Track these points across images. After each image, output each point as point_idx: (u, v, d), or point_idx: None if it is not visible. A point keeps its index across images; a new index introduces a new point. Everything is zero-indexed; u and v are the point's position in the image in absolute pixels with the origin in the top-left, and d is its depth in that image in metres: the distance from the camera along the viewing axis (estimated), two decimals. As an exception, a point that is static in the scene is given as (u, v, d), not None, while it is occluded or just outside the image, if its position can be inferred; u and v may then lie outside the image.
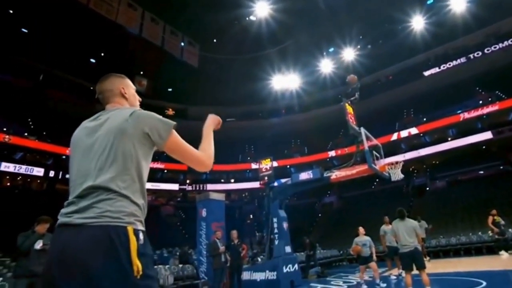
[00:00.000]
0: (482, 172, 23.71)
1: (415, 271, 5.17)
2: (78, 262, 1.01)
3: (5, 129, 23.22)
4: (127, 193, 1.14)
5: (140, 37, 22.89)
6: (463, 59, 27.29)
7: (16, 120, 24.48)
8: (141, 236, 1.12)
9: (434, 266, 9.71)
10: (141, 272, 1.04)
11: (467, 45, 27.47)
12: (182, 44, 25.76)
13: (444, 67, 28.27)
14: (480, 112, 24.24)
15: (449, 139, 26.20)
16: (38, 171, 24.51)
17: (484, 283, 5.89)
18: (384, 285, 7.25)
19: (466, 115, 24.86)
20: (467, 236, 14.70)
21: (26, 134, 24.58)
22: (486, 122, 24.55)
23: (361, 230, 7.56)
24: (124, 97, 1.45)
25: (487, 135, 23.48)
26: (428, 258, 10.96)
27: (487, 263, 9.79)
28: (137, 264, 1.05)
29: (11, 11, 24.06)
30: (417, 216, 10.37)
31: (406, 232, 5.26)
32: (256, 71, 32.24)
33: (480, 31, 26.69)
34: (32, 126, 25.65)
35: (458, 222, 18.07)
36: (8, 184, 24.63)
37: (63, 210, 1.14)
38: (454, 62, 27.68)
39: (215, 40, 29.39)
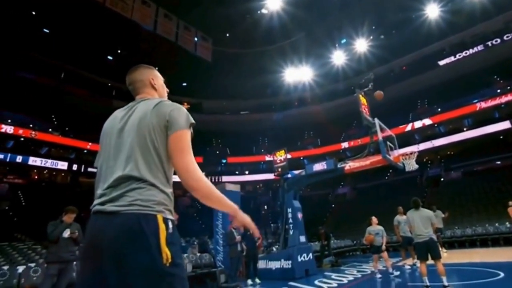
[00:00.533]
0: (499, 162, 22.90)
1: (430, 261, 5.09)
2: (110, 247, 1.03)
3: (31, 125, 24.09)
4: (156, 182, 1.15)
5: (155, 33, 23.03)
6: (480, 47, 26.13)
7: (41, 116, 25.33)
8: (170, 224, 1.13)
9: (449, 257, 9.53)
10: (170, 260, 1.05)
11: (485, 32, 26.24)
12: (196, 39, 25.77)
13: (460, 56, 27.18)
14: (498, 101, 23.32)
15: (465, 129, 25.37)
16: (62, 165, 25.38)
17: (502, 274, 5.73)
18: (398, 273, 7.20)
19: (483, 105, 23.98)
20: (483, 227, 14.30)
21: (50, 130, 25.44)
22: (504, 111, 23.60)
23: (374, 219, 7.55)
24: (154, 87, 1.45)
25: (505, 124, 22.58)
26: (444, 250, 10.51)
27: (505, 254, 9.52)
28: (166, 252, 1.05)
29: (33, 13, 24.67)
30: (432, 206, 10.04)
31: (421, 222, 5.16)
32: (268, 64, 31.98)
33: (499, 17, 25.42)
34: (55, 122, 26.50)
35: (473, 213, 17.61)
36: (36, 177, 25.62)
37: (96, 200, 1.16)
38: (471, 51, 26.54)
39: (227, 35, 29.24)
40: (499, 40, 25.21)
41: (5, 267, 5.64)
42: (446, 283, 4.79)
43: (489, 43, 25.68)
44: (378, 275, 6.94)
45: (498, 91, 24.02)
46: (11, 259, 9.14)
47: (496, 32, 25.54)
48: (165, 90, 1.53)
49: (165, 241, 1.07)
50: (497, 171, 21.96)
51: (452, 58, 27.70)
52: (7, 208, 20.42)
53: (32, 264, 5.73)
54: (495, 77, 25.43)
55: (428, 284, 4.98)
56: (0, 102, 23.31)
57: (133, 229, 1.04)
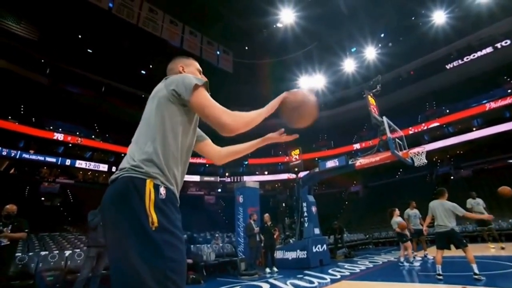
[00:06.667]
0: (511, 161, 21.43)
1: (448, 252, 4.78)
2: (106, 209, 1.02)
3: (77, 132, 25.37)
4: (153, 156, 1.07)
5: (181, 49, 23.63)
6: (489, 49, 24.67)
7: (85, 125, 26.63)
8: (162, 191, 1.03)
9: (460, 250, 8.96)
10: (156, 224, 0.95)
11: (493, 35, 24.80)
12: (218, 52, 26.15)
13: (468, 59, 25.77)
14: (508, 101, 21.91)
15: (474, 129, 24.02)
16: (103, 167, 26.51)
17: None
18: (407, 264, 6.89)
19: (493, 105, 22.62)
20: (496, 222, 13.36)
21: (93, 136, 26.65)
22: (515, 111, 22.16)
23: (397, 211, 7.36)
24: None
25: (517, 123, 21.21)
26: (502, 245, 8.80)
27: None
28: (153, 215, 0.96)
29: (79, 36, 26.16)
30: (472, 193, 8.84)
31: (444, 213, 4.82)
32: (284, 73, 31.98)
33: (506, 19, 23.93)
34: (97, 130, 27.74)
35: (486, 210, 16.51)
36: (81, 178, 26.89)
37: None
38: (479, 53, 25.14)
39: (246, 47, 29.52)
40: (508, 42, 23.74)
41: (56, 251, 5.95)
42: (477, 271, 4.38)
43: (498, 45, 24.23)
44: (415, 262, 6.70)
45: (509, 91, 22.60)
46: (60, 246, 9.63)
47: (505, 34, 24.06)
48: (197, 76, 1.41)
49: (152, 205, 0.98)
50: (508, 169, 20.56)
51: (459, 62, 26.38)
52: (58, 204, 21.56)
53: (77, 250, 6.00)
54: (505, 77, 23.95)
55: (440, 272, 4.65)
56: (53, 113, 24.81)
57: (122, 190, 1.01)
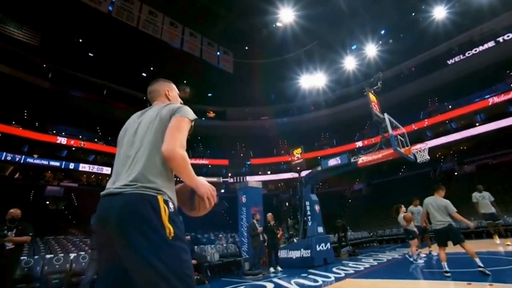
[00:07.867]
0: (515, 155, 21.21)
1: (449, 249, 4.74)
2: (116, 224, 1.08)
3: (80, 136, 25.49)
4: (158, 173, 1.20)
5: (182, 50, 23.64)
6: (491, 43, 24.40)
7: (88, 128, 26.75)
8: (171, 205, 1.18)
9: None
10: (172, 234, 1.10)
11: (494, 29, 24.55)
12: (218, 53, 26.13)
13: (469, 53, 25.50)
14: (511, 95, 21.70)
15: (477, 124, 23.81)
16: (107, 170, 26.53)
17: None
18: (411, 259, 6.84)
19: (496, 99, 22.42)
20: (502, 218, 13.22)
21: (96, 139, 26.74)
22: (518, 104, 21.93)
23: (403, 208, 7.33)
24: (168, 97, 1.54)
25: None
26: (509, 242, 7.93)
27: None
28: (169, 227, 1.11)
29: (80, 40, 26.30)
30: (478, 186, 8.31)
31: (437, 210, 4.79)
32: (285, 72, 31.94)
33: (508, 13, 23.67)
34: (100, 133, 27.84)
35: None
36: (85, 181, 26.99)
37: (107, 186, 1.22)
38: (481, 48, 24.88)
39: (247, 47, 29.48)
40: (511, 35, 23.43)
41: (61, 254, 5.99)
42: (480, 264, 4.32)
43: (500, 38, 23.95)
44: (419, 259, 6.64)
45: (512, 85, 22.39)
46: (66, 249, 9.69)
47: (507, 27, 23.79)
48: (178, 101, 1.58)
49: (167, 218, 1.12)
50: (512, 164, 20.36)
51: (461, 57, 26.13)
52: (63, 207, 21.69)
53: (82, 253, 6.03)
54: (508, 71, 23.70)
55: (447, 269, 4.59)
56: (56, 117, 24.97)
57: (137, 207, 1.09)
